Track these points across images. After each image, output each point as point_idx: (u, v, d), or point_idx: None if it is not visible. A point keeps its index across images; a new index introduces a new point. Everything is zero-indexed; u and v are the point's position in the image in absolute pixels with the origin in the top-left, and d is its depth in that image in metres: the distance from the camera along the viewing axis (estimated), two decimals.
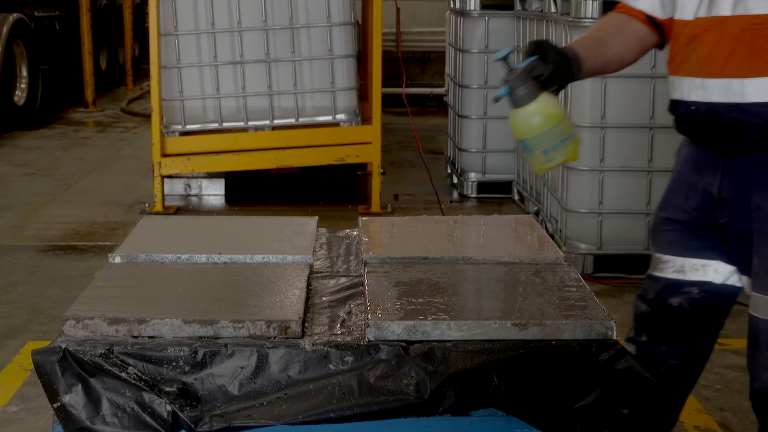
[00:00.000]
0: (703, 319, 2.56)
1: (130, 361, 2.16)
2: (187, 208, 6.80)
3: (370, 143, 6.48)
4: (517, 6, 6.69)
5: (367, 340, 2.21)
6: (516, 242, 2.91)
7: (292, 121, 6.59)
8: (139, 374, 2.15)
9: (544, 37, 5.75)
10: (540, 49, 2.35)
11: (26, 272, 5.26)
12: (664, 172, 5.02)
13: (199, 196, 7.07)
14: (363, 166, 7.36)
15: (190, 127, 6.60)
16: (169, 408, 2.11)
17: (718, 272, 2.52)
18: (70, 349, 2.16)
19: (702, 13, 2.36)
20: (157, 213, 6.43)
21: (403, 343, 2.18)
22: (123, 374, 2.14)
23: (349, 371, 2.16)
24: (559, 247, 3.43)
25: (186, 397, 2.14)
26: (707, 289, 2.53)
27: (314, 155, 6.57)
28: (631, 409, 2.21)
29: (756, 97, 2.30)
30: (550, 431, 2.18)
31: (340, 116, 6.61)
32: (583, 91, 5.15)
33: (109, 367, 2.14)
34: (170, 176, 6.79)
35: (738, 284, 2.51)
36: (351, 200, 6.91)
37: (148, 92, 7.52)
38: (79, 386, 2.14)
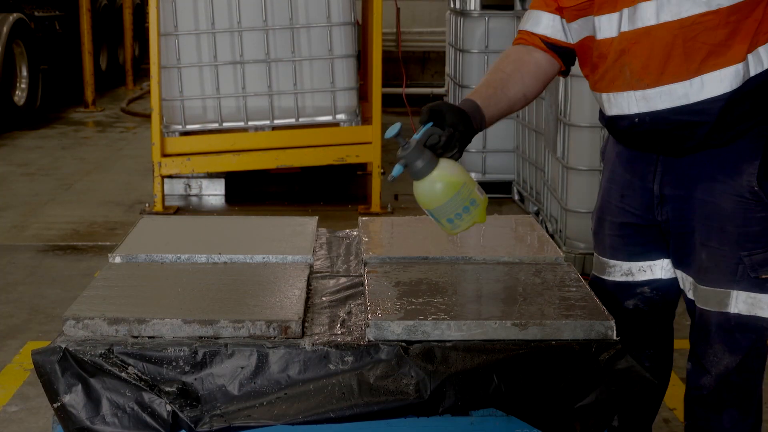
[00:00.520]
0: (661, 317, 2.62)
1: (130, 361, 2.16)
2: (187, 208, 6.80)
3: (370, 143, 6.48)
4: (517, 6, 6.69)
5: (367, 340, 2.21)
6: (516, 242, 2.91)
7: (292, 121, 6.59)
8: (139, 374, 2.15)
9: None
10: (435, 114, 2.31)
11: (26, 272, 5.27)
12: None
13: (199, 196, 7.07)
14: (363, 166, 7.36)
15: (190, 127, 6.60)
16: (169, 408, 2.12)
17: (664, 269, 2.57)
18: (70, 349, 2.16)
19: (625, 28, 2.36)
20: (157, 213, 6.43)
21: (403, 343, 2.18)
22: (123, 374, 2.14)
23: (349, 371, 2.16)
24: (559, 247, 3.43)
25: (186, 397, 2.14)
26: (658, 286, 2.58)
27: (314, 155, 6.57)
28: (625, 412, 2.22)
29: (701, 95, 2.32)
30: (550, 431, 2.18)
31: (340, 116, 6.61)
32: (582, 91, 5.15)
33: (109, 367, 2.14)
34: (170, 176, 6.79)
35: None
36: (351, 200, 6.91)
37: (148, 92, 7.52)
38: (79, 386, 2.14)
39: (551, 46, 2.54)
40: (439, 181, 2.24)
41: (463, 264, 2.67)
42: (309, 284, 2.55)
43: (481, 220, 2.31)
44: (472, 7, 6.97)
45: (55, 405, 2.14)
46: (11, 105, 9.75)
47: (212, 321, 2.21)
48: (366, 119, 6.72)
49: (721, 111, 2.31)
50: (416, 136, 2.26)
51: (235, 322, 2.21)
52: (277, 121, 6.59)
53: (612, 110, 2.47)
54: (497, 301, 2.47)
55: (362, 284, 2.56)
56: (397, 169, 2.26)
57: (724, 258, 2.39)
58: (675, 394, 3.34)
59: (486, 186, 6.97)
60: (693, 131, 2.35)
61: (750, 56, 2.30)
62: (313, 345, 2.19)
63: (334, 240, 3.05)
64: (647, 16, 2.33)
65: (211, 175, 7.02)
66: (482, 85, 2.52)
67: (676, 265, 2.52)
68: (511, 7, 6.81)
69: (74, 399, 2.13)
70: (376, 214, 6.41)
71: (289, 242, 2.81)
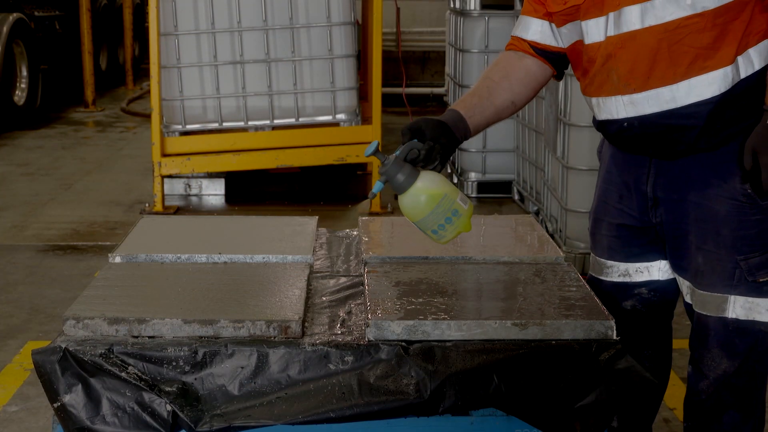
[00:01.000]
0: (659, 318, 2.62)
1: (130, 360, 2.16)
2: (187, 208, 6.80)
3: (370, 143, 6.47)
4: (517, 6, 6.69)
5: (367, 339, 2.21)
6: (516, 242, 2.91)
7: (292, 121, 6.59)
8: (139, 374, 2.15)
9: None
10: (415, 132, 2.36)
11: (26, 272, 5.27)
12: None
13: (199, 195, 7.07)
14: (363, 166, 7.36)
15: (190, 126, 6.60)
16: (169, 408, 2.12)
17: (661, 270, 2.57)
18: (70, 348, 2.16)
19: (611, 32, 2.36)
20: (157, 213, 6.43)
21: (403, 343, 2.18)
22: (123, 374, 2.14)
23: (349, 371, 2.16)
24: (559, 247, 3.43)
25: (186, 397, 2.14)
26: (655, 287, 2.58)
27: (314, 155, 6.57)
28: (625, 412, 2.22)
29: (688, 99, 2.31)
30: (550, 431, 2.18)
31: (340, 116, 6.61)
32: None
33: (109, 367, 2.14)
34: (170, 176, 6.79)
35: None
36: (351, 200, 6.91)
37: (148, 92, 7.51)
38: (79, 386, 2.14)
39: (540, 51, 2.55)
40: (420, 194, 2.28)
41: (463, 264, 2.67)
42: (309, 284, 2.55)
43: (465, 230, 2.35)
44: (472, 7, 6.97)
45: (55, 405, 2.14)
46: (11, 105, 9.75)
47: (212, 321, 2.21)
48: (366, 119, 6.72)
49: (710, 114, 2.30)
50: (397, 152, 2.32)
51: (235, 322, 2.21)
52: (277, 121, 6.59)
53: (602, 115, 2.47)
54: (497, 301, 2.47)
55: (362, 284, 2.56)
56: (377, 186, 2.32)
57: (721, 262, 2.38)
58: (675, 394, 3.34)
59: (486, 186, 7.04)
60: (682, 135, 2.34)
61: (740, 58, 2.28)
62: (313, 345, 2.19)
63: (334, 240, 3.05)
64: (632, 20, 2.32)
65: (211, 175, 7.02)
66: (469, 94, 2.55)
67: (674, 268, 2.52)
68: (511, 7, 6.81)
69: (74, 399, 2.13)
70: (376, 214, 6.41)
71: (289, 242, 2.81)
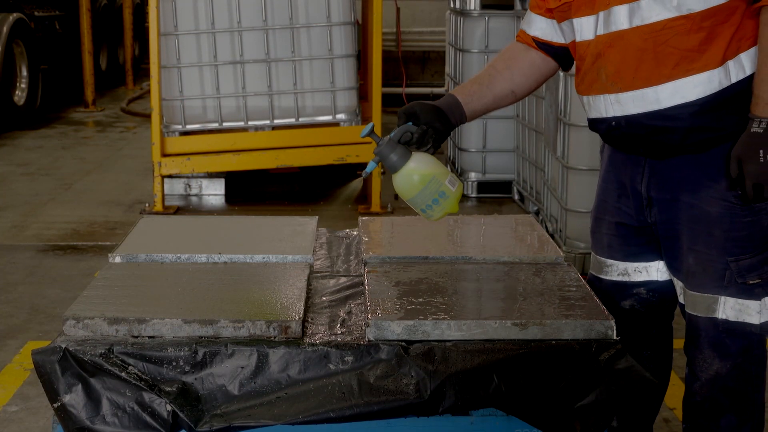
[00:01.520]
0: (659, 318, 2.62)
1: (130, 360, 2.16)
2: (187, 208, 6.80)
3: (370, 143, 6.45)
4: (517, 6, 6.69)
5: (367, 339, 2.21)
6: (516, 242, 2.91)
7: (292, 120, 6.59)
8: (139, 374, 2.15)
9: None
10: (410, 115, 2.44)
11: (26, 272, 5.26)
12: None
13: (199, 195, 7.07)
14: (363, 166, 7.35)
15: (190, 126, 6.59)
16: (169, 408, 2.12)
17: (660, 270, 2.57)
18: (70, 348, 2.16)
19: (601, 31, 2.38)
20: (157, 213, 6.43)
21: (403, 343, 2.18)
22: (123, 374, 2.14)
23: (349, 371, 2.16)
24: (559, 247, 3.43)
25: (186, 397, 2.14)
26: (654, 288, 2.59)
27: (314, 155, 6.57)
28: (626, 412, 2.22)
29: (671, 101, 2.31)
30: (550, 431, 2.18)
31: (340, 116, 6.60)
32: None
33: (109, 367, 2.14)
34: (170, 176, 6.79)
35: None
36: (351, 200, 6.91)
37: (148, 92, 7.51)
38: (79, 386, 2.14)
39: (543, 45, 2.58)
40: (409, 175, 2.37)
41: (463, 264, 2.67)
42: (309, 284, 2.55)
43: (452, 210, 2.42)
44: (472, 7, 6.97)
45: (55, 405, 2.14)
46: (11, 105, 9.75)
47: (212, 321, 2.21)
48: (366, 119, 6.71)
49: (694, 117, 2.31)
50: (392, 134, 2.42)
51: (235, 322, 2.21)
52: (277, 121, 6.59)
53: (591, 113, 2.49)
54: (497, 301, 2.47)
55: (362, 284, 2.56)
56: (370, 165, 2.43)
57: (712, 263, 2.38)
58: (675, 394, 3.34)
59: (486, 186, 7.04)
60: (667, 136, 2.35)
61: (730, 63, 2.28)
62: (313, 345, 2.19)
63: (334, 240, 3.05)
64: (620, 20, 2.33)
65: (211, 175, 7.02)
66: (470, 80, 2.62)
67: (669, 268, 2.53)
68: (511, 7, 6.81)
69: (74, 399, 2.13)
70: (376, 214, 6.41)
71: (289, 242, 2.81)
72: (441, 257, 2.70)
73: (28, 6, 10.47)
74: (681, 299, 2.50)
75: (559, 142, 5.31)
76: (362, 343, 2.20)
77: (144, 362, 2.16)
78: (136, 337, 2.21)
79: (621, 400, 2.18)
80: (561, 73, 5.16)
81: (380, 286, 2.46)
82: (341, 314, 2.39)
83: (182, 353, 2.16)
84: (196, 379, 2.16)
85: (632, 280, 2.59)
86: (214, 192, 7.06)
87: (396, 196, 7.01)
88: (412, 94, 9.46)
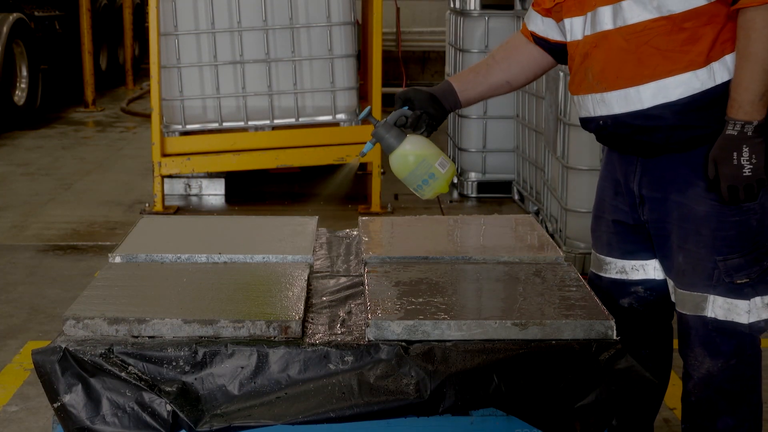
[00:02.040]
0: (657, 317, 2.63)
1: (130, 360, 2.16)
2: (187, 208, 6.80)
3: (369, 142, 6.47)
4: (517, 6, 6.69)
5: (367, 339, 2.21)
6: (516, 242, 2.91)
7: (292, 120, 6.59)
8: (139, 374, 2.15)
9: None
10: (406, 100, 2.58)
11: (26, 272, 5.26)
12: None
13: (199, 195, 7.07)
14: (363, 166, 7.35)
15: (190, 126, 6.59)
16: (169, 408, 2.12)
17: (657, 269, 2.58)
18: (70, 348, 2.16)
19: (588, 31, 2.41)
20: (157, 213, 6.43)
21: (403, 343, 2.18)
22: (123, 374, 2.14)
23: (349, 371, 2.16)
24: (559, 247, 3.43)
25: (186, 397, 2.14)
26: (652, 286, 2.60)
27: (314, 155, 6.57)
28: (626, 412, 2.22)
29: (653, 101, 2.33)
30: (550, 431, 2.18)
31: (340, 116, 6.60)
32: None
33: (109, 367, 2.14)
34: (170, 176, 6.79)
35: None
36: (351, 200, 6.91)
37: (148, 92, 7.50)
38: (79, 386, 2.14)
39: (539, 41, 2.64)
40: (402, 156, 2.52)
41: (463, 264, 2.67)
42: (309, 284, 2.55)
43: (442, 191, 2.57)
44: (472, 7, 6.97)
45: (55, 405, 2.14)
46: (11, 105, 9.75)
47: (212, 321, 2.21)
48: (366, 119, 6.70)
49: (677, 116, 2.32)
50: (388, 118, 2.57)
51: (235, 322, 2.21)
52: (277, 121, 6.59)
53: (581, 112, 2.52)
54: (497, 301, 2.47)
55: (362, 284, 2.56)
56: (367, 146, 2.59)
57: (701, 261, 2.39)
58: (675, 394, 3.33)
59: (486, 186, 7.03)
60: (650, 136, 2.38)
61: (715, 64, 2.29)
62: (313, 345, 2.19)
63: (334, 240, 3.05)
64: (605, 20, 2.36)
65: (211, 175, 7.02)
66: (469, 69, 2.73)
67: (662, 267, 2.55)
68: (511, 7, 6.81)
69: (74, 399, 2.13)
70: (376, 214, 6.41)
71: (289, 242, 2.81)
72: (441, 257, 2.70)
73: (28, 6, 10.47)
74: (672, 298, 2.51)
75: (559, 142, 5.31)
76: (362, 343, 2.20)
77: (144, 362, 2.16)
78: (136, 337, 2.21)
79: (621, 400, 2.18)
80: (561, 74, 5.16)
81: (380, 286, 2.46)
82: (341, 314, 2.39)
83: (182, 353, 2.16)
84: (196, 379, 2.16)
85: (630, 278, 2.61)
86: (214, 192, 7.06)
87: (396, 196, 7.03)
88: None
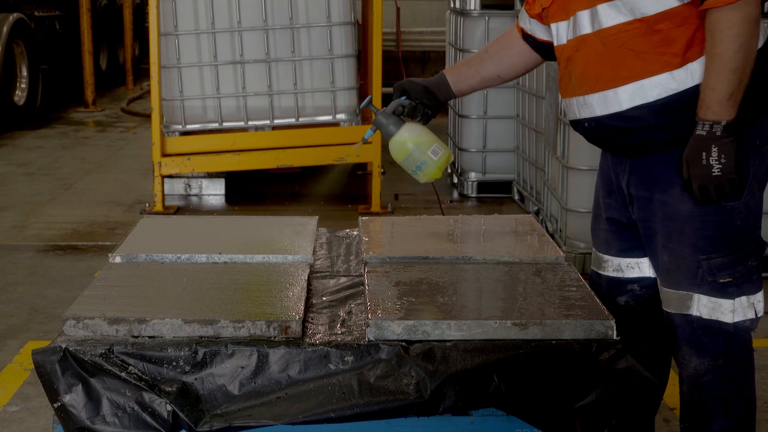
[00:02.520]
0: (654, 315, 2.63)
1: (131, 360, 2.16)
2: (187, 208, 6.80)
3: (370, 143, 6.47)
4: (517, 5, 6.68)
5: (367, 339, 2.20)
6: (516, 242, 2.91)
7: (292, 120, 6.59)
8: (140, 374, 2.15)
9: None
10: (403, 91, 2.71)
11: (26, 272, 5.26)
12: None
13: (199, 195, 7.07)
14: (363, 166, 7.34)
15: (190, 126, 6.59)
16: (169, 408, 2.11)
17: (651, 267, 2.59)
18: (71, 348, 2.16)
19: (570, 36, 2.45)
20: (157, 213, 6.43)
21: (403, 343, 2.18)
22: (123, 374, 2.14)
23: (349, 371, 2.16)
24: (560, 247, 3.43)
25: (186, 397, 2.14)
26: (647, 284, 2.62)
27: (314, 155, 6.56)
28: (626, 412, 2.22)
29: (631, 102, 2.36)
30: (550, 431, 2.18)
31: (340, 116, 6.60)
32: None
33: (110, 367, 2.14)
34: (170, 176, 6.79)
35: None
36: (351, 200, 6.91)
37: (148, 92, 7.50)
38: (80, 386, 2.14)
39: (527, 38, 2.70)
40: (398, 142, 2.67)
41: (463, 264, 2.67)
42: (309, 284, 2.55)
43: (435, 176, 2.70)
44: (472, 7, 6.96)
45: (56, 405, 2.14)
46: (11, 105, 9.75)
47: (212, 321, 2.21)
48: (366, 119, 6.71)
49: (655, 117, 2.34)
50: (387, 108, 2.72)
51: (235, 322, 2.21)
52: (277, 121, 6.58)
53: (569, 115, 2.56)
54: (497, 301, 2.47)
55: (362, 284, 2.56)
56: (368, 133, 2.73)
57: (685, 260, 2.41)
58: (675, 394, 3.33)
59: (486, 186, 7.03)
60: (631, 137, 2.40)
61: (693, 64, 2.30)
62: (313, 345, 2.19)
63: (334, 240, 3.05)
64: (584, 24, 2.40)
65: (211, 175, 7.02)
66: (463, 61, 2.85)
67: (652, 265, 2.56)
68: (511, 7, 6.81)
69: (74, 399, 2.13)
70: (376, 214, 6.41)
71: (289, 242, 2.81)
72: (441, 257, 2.69)
73: (28, 6, 10.47)
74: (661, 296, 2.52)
75: (559, 142, 5.31)
76: (362, 343, 2.20)
77: (144, 362, 2.16)
78: (136, 337, 2.21)
79: (621, 400, 2.18)
80: None
81: (380, 286, 2.46)
82: (341, 314, 2.39)
83: (182, 353, 2.16)
84: (196, 379, 2.16)
85: (626, 276, 2.63)
86: (214, 192, 7.05)
87: (396, 196, 7.03)
88: None
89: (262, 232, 2.95)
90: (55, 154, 8.67)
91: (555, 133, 5.39)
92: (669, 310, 2.48)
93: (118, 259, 2.68)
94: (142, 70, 14.19)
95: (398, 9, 7.57)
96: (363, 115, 6.71)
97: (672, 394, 3.21)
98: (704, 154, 2.27)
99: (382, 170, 6.57)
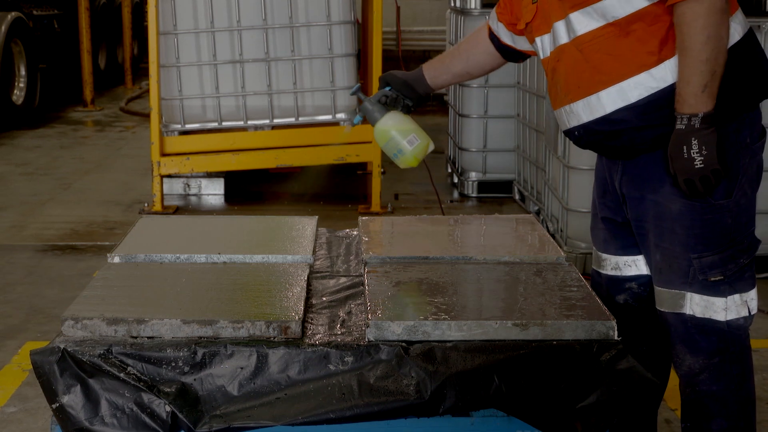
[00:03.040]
0: (652, 313, 2.62)
1: (129, 361, 2.15)
2: (186, 208, 6.79)
3: (370, 143, 6.46)
4: None
5: (367, 340, 2.20)
6: (517, 242, 2.90)
7: (291, 120, 6.58)
8: (138, 375, 2.14)
9: None
10: (387, 82, 2.86)
11: (25, 272, 5.25)
12: None
13: (198, 195, 7.06)
14: (363, 166, 7.34)
15: (189, 126, 6.58)
16: (168, 408, 2.11)
17: (648, 265, 2.59)
18: (69, 349, 2.15)
19: (552, 47, 2.50)
20: (156, 213, 6.42)
21: (403, 344, 2.18)
22: (122, 375, 2.13)
23: (349, 371, 2.16)
24: (560, 247, 3.42)
25: (185, 398, 2.13)
26: (644, 282, 2.62)
27: (314, 155, 6.56)
28: (627, 413, 2.22)
29: (614, 105, 2.38)
30: None
31: (340, 115, 6.59)
32: None
33: (108, 368, 2.13)
34: (169, 176, 6.78)
35: None
36: (351, 200, 6.90)
37: (147, 91, 7.49)
38: (78, 387, 2.13)
39: (493, 38, 2.77)
40: (380, 130, 2.82)
41: (463, 264, 2.66)
42: (309, 284, 2.54)
43: (411, 164, 2.82)
44: (473, 6, 6.96)
45: (54, 406, 2.13)
46: (10, 104, 9.74)
47: (212, 321, 2.21)
48: (366, 119, 6.70)
49: (639, 117, 2.35)
50: (373, 96, 2.88)
51: (235, 322, 2.20)
52: (276, 121, 6.58)
53: (561, 126, 2.59)
54: (498, 301, 2.46)
55: (362, 284, 2.55)
56: (356, 118, 2.92)
57: (676, 259, 2.42)
58: (677, 395, 3.33)
59: (486, 185, 7.03)
60: (618, 139, 2.41)
61: (670, 62, 2.30)
62: (313, 345, 2.18)
63: (334, 240, 3.04)
64: (561, 34, 2.44)
65: (210, 175, 7.01)
66: (438, 57, 2.94)
67: (646, 264, 2.58)
68: None
69: (73, 399, 2.12)
70: (376, 214, 6.40)
71: (289, 242, 2.81)
72: (441, 257, 2.69)
73: (27, 5, 10.47)
74: (655, 295, 2.53)
75: (559, 142, 5.30)
76: (362, 343, 2.19)
77: (143, 363, 2.15)
78: (135, 337, 2.20)
79: (622, 400, 2.18)
80: None
81: (380, 286, 2.45)
82: (341, 314, 2.38)
83: (181, 354, 2.15)
84: (195, 379, 2.15)
85: (624, 274, 2.64)
86: (213, 192, 7.05)
87: (396, 196, 7.03)
88: None
89: (262, 232, 2.94)
90: (53, 154, 8.67)
91: (556, 132, 5.38)
92: (662, 309, 2.48)
93: (116, 259, 2.67)
94: (141, 70, 14.18)
95: (398, 8, 7.56)
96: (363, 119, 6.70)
97: (674, 395, 3.20)
98: (685, 147, 2.28)
99: (382, 170, 6.56)
